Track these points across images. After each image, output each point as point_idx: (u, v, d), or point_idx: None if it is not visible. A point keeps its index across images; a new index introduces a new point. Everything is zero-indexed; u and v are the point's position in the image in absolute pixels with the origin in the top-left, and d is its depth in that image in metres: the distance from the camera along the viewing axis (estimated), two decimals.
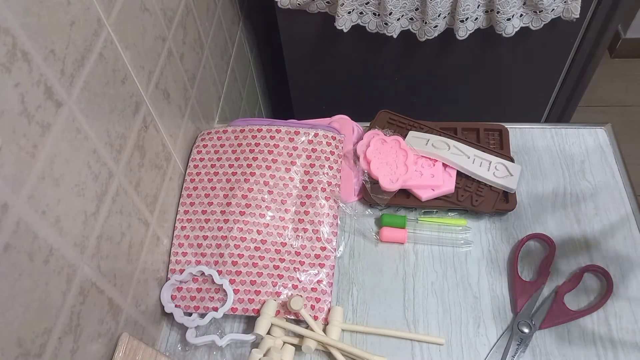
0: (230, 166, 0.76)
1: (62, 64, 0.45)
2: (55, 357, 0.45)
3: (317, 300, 0.68)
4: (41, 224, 0.43)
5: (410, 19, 0.96)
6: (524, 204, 0.77)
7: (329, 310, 0.68)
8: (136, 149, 0.60)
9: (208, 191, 0.75)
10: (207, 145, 0.79)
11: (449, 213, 0.77)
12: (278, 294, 0.68)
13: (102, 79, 0.52)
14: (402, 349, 0.66)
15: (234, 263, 0.69)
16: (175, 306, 0.68)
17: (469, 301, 0.69)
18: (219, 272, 0.68)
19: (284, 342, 0.65)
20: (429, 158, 0.78)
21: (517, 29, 0.93)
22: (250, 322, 0.69)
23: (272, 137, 0.77)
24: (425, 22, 0.93)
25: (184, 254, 0.71)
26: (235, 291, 0.67)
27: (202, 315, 0.66)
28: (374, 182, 0.77)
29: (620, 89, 2.01)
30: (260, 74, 1.29)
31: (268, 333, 0.65)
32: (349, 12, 0.96)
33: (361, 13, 0.97)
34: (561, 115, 1.26)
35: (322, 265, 0.70)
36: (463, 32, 0.94)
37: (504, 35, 0.94)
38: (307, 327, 0.66)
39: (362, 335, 0.67)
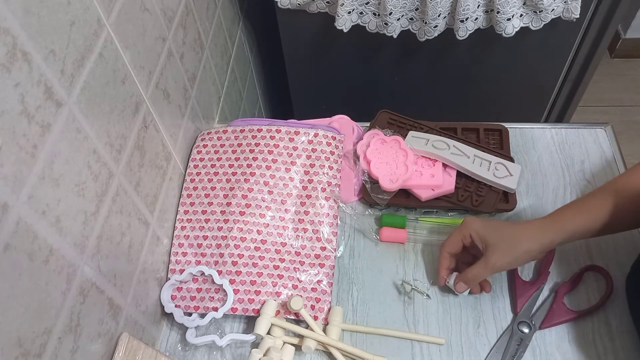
0: (230, 166, 0.76)
1: (62, 64, 0.45)
2: (55, 357, 0.45)
3: (317, 300, 0.68)
4: (41, 224, 0.43)
5: (410, 19, 0.96)
6: (524, 204, 0.77)
7: (329, 310, 0.68)
8: (136, 149, 0.60)
9: (208, 191, 0.75)
10: (207, 145, 0.79)
11: (449, 213, 0.77)
12: (278, 294, 0.68)
13: (102, 79, 0.52)
14: (402, 349, 0.66)
15: (234, 263, 0.69)
16: (175, 306, 0.68)
17: (469, 301, 0.69)
18: (219, 272, 0.68)
19: (284, 342, 0.65)
20: (429, 158, 0.78)
21: (517, 29, 0.93)
22: (250, 322, 0.69)
23: (272, 137, 0.77)
24: (425, 22, 0.93)
25: (184, 254, 0.71)
26: (235, 291, 0.67)
27: (202, 315, 0.66)
28: (374, 182, 0.77)
29: (620, 89, 2.01)
30: (260, 74, 1.29)
31: (268, 333, 0.65)
32: (349, 12, 0.96)
33: (361, 13, 0.97)
34: (561, 115, 1.26)
35: (322, 265, 0.70)
36: (463, 32, 0.94)
37: (504, 35, 0.94)
38: (307, 327, 0.66)
39: (362, 335, 0.67)
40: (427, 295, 0.69)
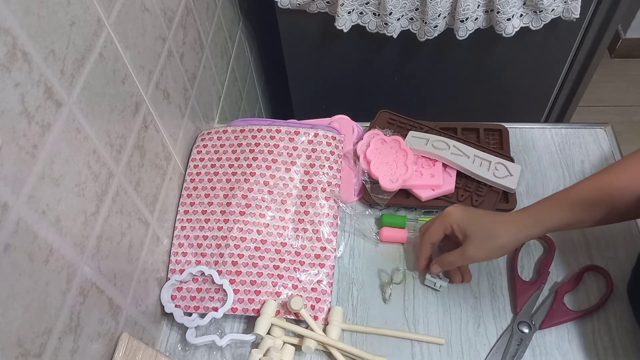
0: (230, 166, 0.76)
1: (62, 64, 0.45)
2: (55, 357, 0.45)
3: (317, 300, 0.68)
4: (41, 224, 0.43)
5: (410, 19, 0.96)
6: (524, 204, 0.76)
7: (329, 310, 0.68)
8: (136, 149, 0.60)
9: (208, 191, 0.75)
10: (207, 145, 0.79)
11: None
12: (278, 294, 0.68)
13: (102, 79, 0.52)
14: (402, 349, 0.66)
15: (234, 263, 0.69)
16: (175, 306, 0.68)
17: (469, 301, 0.69)
18: (219, 272, 0.68)
19: (284, 342, 0.65)
20: (429, 158, 0.78)
21: (517, 29, 0.93)
22: (250, 322, 0.69)
23: (272, 137, 0.77)
24: (425, 22, 0.93)
25: (184, 254, 0.71)
26: (235, 291, 0.67)
27: (202, 315, 0.66)
28: (374, 182, 0.77)
29: (620, 89, 2.01)
30: (260, 74, 1.29)
31: (268, 333, 0.65)
32: (349, 12, 0.96)
33: (361, 13, 0.97)
34: (561, 115, 1.26)
35: (322, 265, 0.70)
36: (463, 32, 0.94)
37: (504, 35, 0.94)
38: (307, 327, 0.66)
39: (362, 335, 0.67)
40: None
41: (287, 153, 0.77)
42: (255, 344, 0.66)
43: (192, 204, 0.74)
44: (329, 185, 0.75)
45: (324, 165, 0.76)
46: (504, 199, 0.75)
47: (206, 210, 0.73)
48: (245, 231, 0.71)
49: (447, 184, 0.76)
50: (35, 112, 0.42)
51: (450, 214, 0.65)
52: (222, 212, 0.73)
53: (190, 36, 0.78)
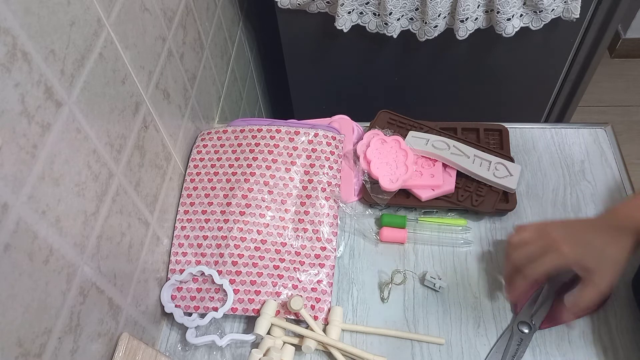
0: (230, 166, 0.76)
1: (62, 64, 0.45)
2: (55, 357, 0.45)
3: (317, 300, 0.68)
4: (41, 224, 0.43)
5: (410, 19, 0.96)
6: (524, 204, 0.77)
7: (329, 310, 0.68)
8: (136, 149, 0.60)
9: (208, 191, 0.75)
10: (207, 145, 0.79)
11: (449, 213, 0.77)
12: (278, 294, 0.68)
13: (102, 79, 0.52)
14: (402, 349, 0.66)
15: (234, 263, 0.69)
16: (175, 306, 0.68)
17: (469, 301, 0.69)
18: (219, 272, 0.68)
19: (284, 342, 0.65)
20: (429, 158, 0.78)
21: (517, 29, 0.93)
22: (250, 322, 0.69)
23: (272, 137, 0.77)
24: (425, 22, 0.93)
25: (184, 254, 0.71)
26: (235, 291, 0.67)
27: (202, 315, 0.66)
28: (374, 182, 0.77)
29: (620, 89, 2.01)
30: (260, 74, 1.29)
31: (268, 333, 0.65)
32: (349, 12, 0.96)
33: (361, 13, 0.97)
34: (561, 115, 1.26)
35: (322, 265, 0.70)
36: (463, 32, 0.94)
37: (504, 35, 0.94)
38: (307, 327, 0.66)
39: (362, 335, 0.67)
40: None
41: (287, 153, 0.77)
42: (255, 344, 0.66)
43: (192, 204, 0.74)
44: (329, 185, 0.75)
45: (324, 165, 0.76)
46: (504, 199, 0.75)
47: (206, 210, 0.73)
48: (245, 231, 0.71)
49: (447, 184, 0.76)
50: (35, 112, 0.42)
51: (565, 253, 0.59)
52: (222, 212, 0.73)
53: (190, 36, 0.78)
